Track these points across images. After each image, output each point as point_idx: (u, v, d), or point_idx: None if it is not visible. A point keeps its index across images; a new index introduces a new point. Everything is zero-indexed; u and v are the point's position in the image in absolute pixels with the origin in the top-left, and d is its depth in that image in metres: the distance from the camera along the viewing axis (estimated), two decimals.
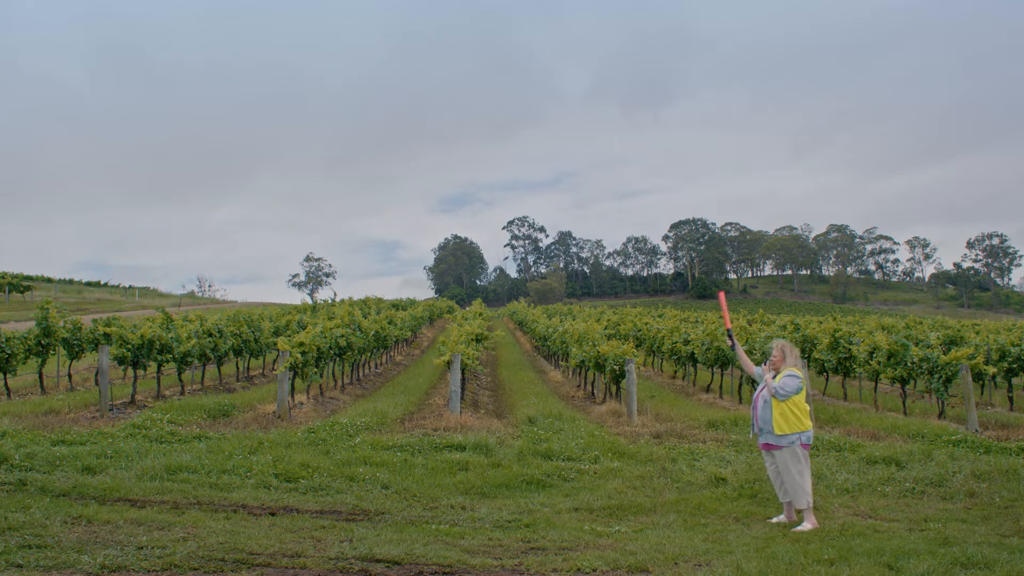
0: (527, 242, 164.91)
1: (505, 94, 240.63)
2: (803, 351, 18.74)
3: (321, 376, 16.66)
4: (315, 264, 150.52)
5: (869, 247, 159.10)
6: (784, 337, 15.03)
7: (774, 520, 7.50)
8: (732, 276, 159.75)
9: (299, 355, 14.60)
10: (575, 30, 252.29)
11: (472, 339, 19.53)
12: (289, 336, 17.34)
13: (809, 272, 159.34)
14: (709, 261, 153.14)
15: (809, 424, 7.49)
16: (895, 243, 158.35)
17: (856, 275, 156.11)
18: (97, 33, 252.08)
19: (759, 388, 7.86)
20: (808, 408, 7.59)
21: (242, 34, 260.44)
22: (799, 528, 7.16)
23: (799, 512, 7.37)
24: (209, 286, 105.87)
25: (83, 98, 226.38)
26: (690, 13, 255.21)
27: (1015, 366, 17.61)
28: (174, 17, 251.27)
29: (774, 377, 7.62)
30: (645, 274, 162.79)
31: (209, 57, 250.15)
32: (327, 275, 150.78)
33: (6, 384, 15.75)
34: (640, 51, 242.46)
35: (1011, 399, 17.27)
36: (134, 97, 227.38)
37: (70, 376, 17.88)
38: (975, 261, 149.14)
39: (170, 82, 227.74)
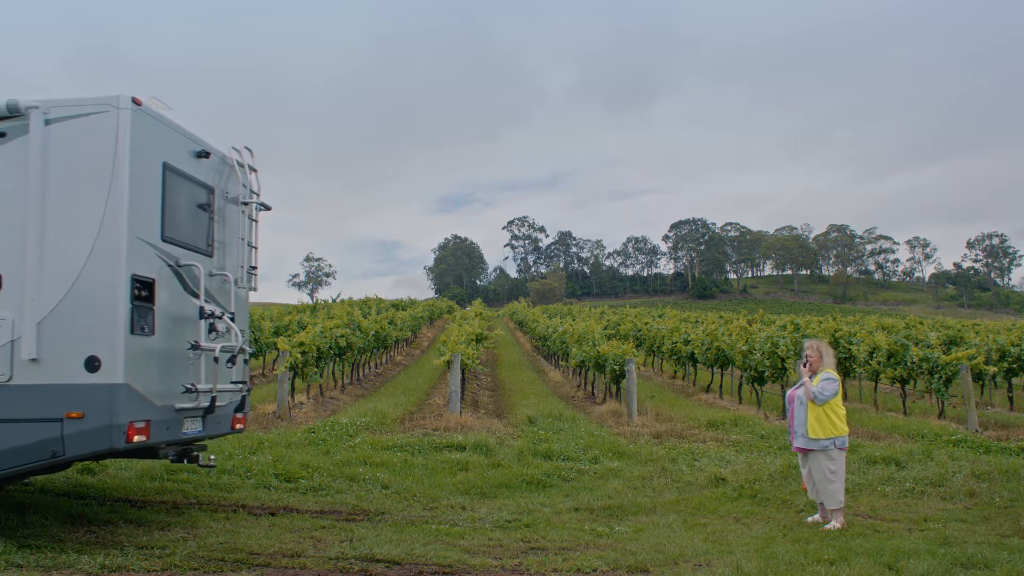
0: (527, 242, 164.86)
1: (493, 95, 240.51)
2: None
3: (321, 376, 16.66)
4: (315, 264, 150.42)
5: (869, 247, 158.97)
6: (784, 337, 15.00)
7: (809, 520, 7.51)
8: (732, 276, 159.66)
9: (299, 355, 14.59)
10: (558, 31, 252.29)
11: (472, 339, 19.52)
12: (289, 336, 17.33)
13: (809, 272, 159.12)
14: (709, 261, 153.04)
15: (845, 429, 7.44)
16: (895, 243, 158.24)
17: (856, 275, 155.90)
18: (72, 32, 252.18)
19: (794, 387, 7.80)
20: (844, 412, 7.53)
21: (220, 35, 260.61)
22: (827, 527, 7.17)
23: (830, 512, 7.34)
24: None
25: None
26: (681, 12, 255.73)
27: (1015, 366, 17.60)
28: (151, 17, 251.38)
29: (811, 378, 7.53)
30: (645, 274, 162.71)
31: (188, 57, 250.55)
32: (327, 275, 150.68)
33: None
34: (628, 50, 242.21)
35: (1011, 399, 17.26)
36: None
37: None
38: (975, 261, 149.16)
39: (152, 82, 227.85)
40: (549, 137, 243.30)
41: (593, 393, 19.15)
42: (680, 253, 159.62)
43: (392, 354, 29.44)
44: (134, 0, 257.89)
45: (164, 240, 6.61)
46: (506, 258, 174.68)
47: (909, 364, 14.93)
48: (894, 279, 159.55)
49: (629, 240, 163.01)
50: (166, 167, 6.67)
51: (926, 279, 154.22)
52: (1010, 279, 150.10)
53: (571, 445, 11.16)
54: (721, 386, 19.64)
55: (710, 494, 8.74)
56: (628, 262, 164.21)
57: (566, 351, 22.68)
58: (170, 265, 6.66)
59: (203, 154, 7.27)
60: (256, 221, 7.95)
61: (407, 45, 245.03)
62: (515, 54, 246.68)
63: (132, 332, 6.08)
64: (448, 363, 14.80)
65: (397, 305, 48.68)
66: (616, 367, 15.85)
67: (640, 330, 27.98)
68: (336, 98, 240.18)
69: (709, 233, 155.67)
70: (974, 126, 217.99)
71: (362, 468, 9.64)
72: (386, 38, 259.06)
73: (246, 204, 7.80)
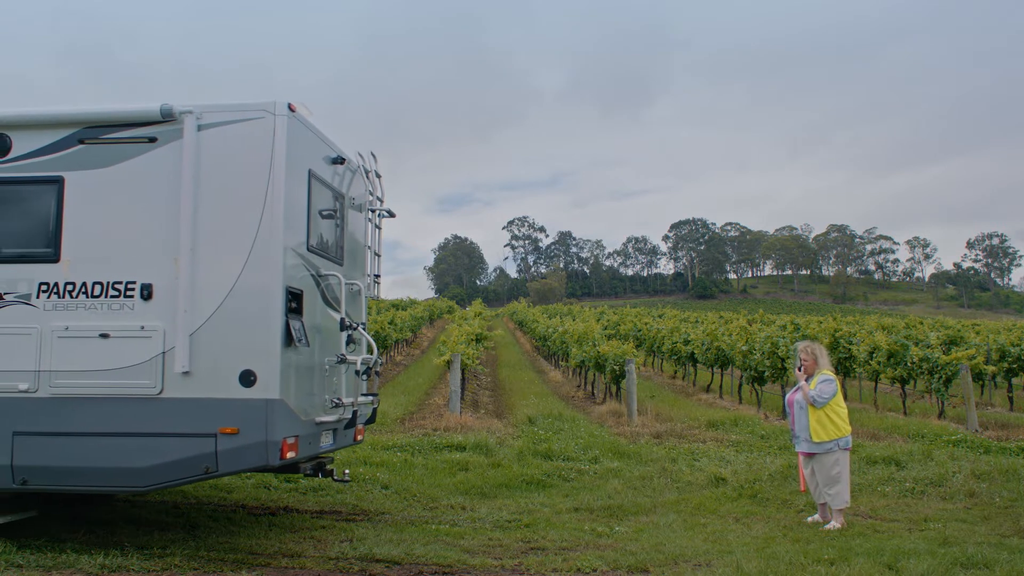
0: (527, 242, 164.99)
1: (489, 94, 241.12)
2: None
3: None
4: None
5: (869, 247, 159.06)
6: (784, 337, 15.00)
7: (809, 520, 7.49)
8: (732, 276, 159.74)
9: None
10: (552, 30, 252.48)
11: (472, 339, 19.52)
12: None
13: (809, 272, 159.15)
14: (709, 261, 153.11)
15: (847, 428, 7.39)
16: (895, 243, 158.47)
17: (856, 275, 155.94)
18: (63, 32, 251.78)
19: (792, 390, 7.76)
20: (845, 411, 7.49)
21: (212, 35, 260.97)
22: (827, 527, 7.16)
23: (833, 512, 7.31)
24: None
25: (57, 98, 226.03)
26: (679, 11, 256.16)
27: (1015, 366, 17.60)
28: (142, 17, 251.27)
29: (807, 380, 7.49)
30: (645, 274, 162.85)
31: (179, 58, 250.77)
32: None
33: None
34: (625, 50, 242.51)
35: (1011, 399, 17.26)
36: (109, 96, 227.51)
37: None
38: (975, 261, 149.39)
39: (145, 83, 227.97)
40: (548, 137, 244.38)
41: (593, 393, 19.14)
42: (680, 253, 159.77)
43: (392, 354, 29.43)
44: (126, 0, 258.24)
45: (309, 250, 6.45)
46: (506, 258, 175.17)
47: (909, 364, 14.92)
48: (894, 279, 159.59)
49: (629, 240, 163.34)
50: (311, 175, 6.48)
51: (926, 279, 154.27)
52: (1010, 279, 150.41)
53: (571, 445, 11.15)
54: (721, 386, 19.64)
55: (710, 494, 8.73)
56: (628, 262, 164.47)
57: (566, 351, 22.67)
58: (313, 276, 6.50)
59: (338, 160, 7.11)
60: (380, 228, 7.81)
61: (400, 45, 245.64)
62: (509, 54, 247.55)
63: (286, 346, 5.92)
64: (448, 363, 14.79)
65: (397, 305, 48.66)
66: (616, 367, 15.85)
67: (640, 330, 27.98)
68: (330, 98, 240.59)
69: (709, 233, 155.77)
70: (974, 126, 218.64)
71: (362, 468, 9.63)
72: (379, 38, 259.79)
73: (372, 211, 7.66)
